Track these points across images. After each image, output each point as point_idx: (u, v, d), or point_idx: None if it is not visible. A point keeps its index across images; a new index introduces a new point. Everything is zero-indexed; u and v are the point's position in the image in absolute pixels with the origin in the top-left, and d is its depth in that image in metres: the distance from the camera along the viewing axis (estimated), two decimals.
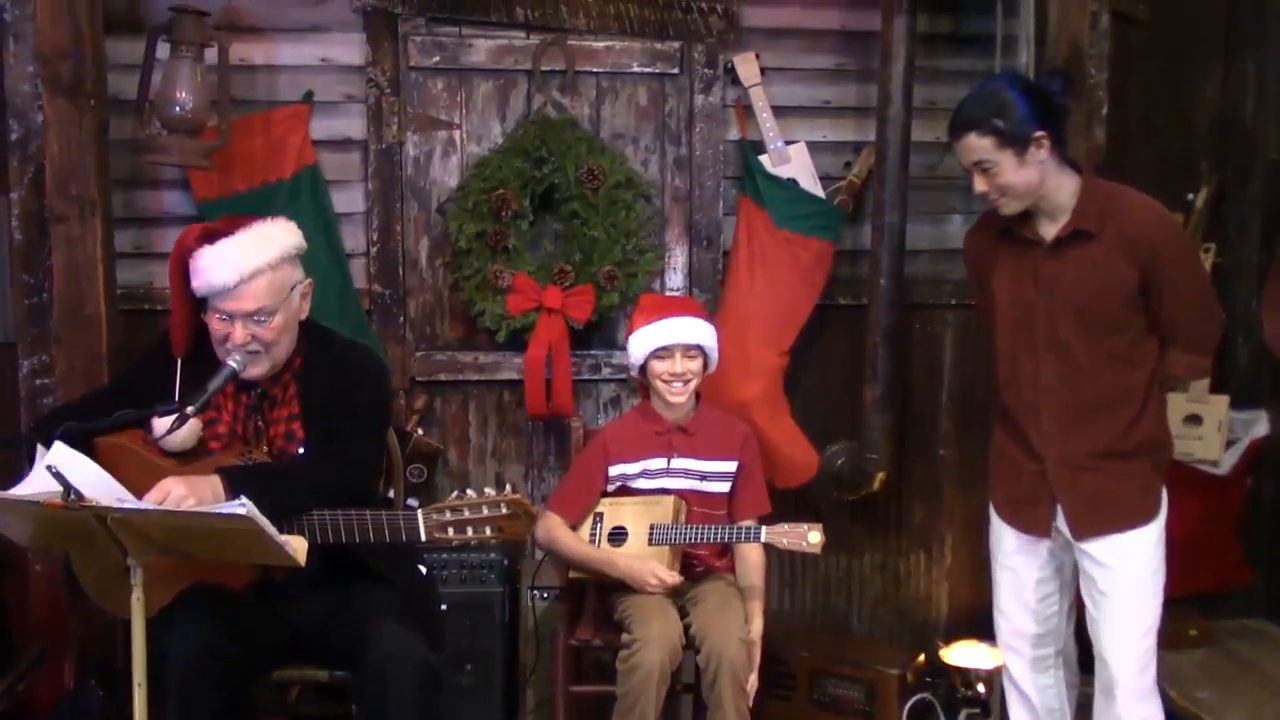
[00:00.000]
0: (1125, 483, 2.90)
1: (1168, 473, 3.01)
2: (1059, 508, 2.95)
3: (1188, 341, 2.92)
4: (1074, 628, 3.17)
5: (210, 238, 2.76)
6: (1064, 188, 2.85)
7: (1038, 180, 2.81)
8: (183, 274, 2.78)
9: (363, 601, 2.83)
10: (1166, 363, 2.92)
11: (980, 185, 2.82)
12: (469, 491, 2.74)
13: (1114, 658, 2.94)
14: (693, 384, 3.29)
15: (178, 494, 2.58)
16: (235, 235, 2.76)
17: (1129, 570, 2.91)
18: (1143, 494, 2.93)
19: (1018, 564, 3.08)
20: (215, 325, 2.78)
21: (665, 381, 3.28)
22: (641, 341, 3.28)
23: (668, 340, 3.25)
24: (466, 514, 2.71)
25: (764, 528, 3.12)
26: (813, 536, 3.06)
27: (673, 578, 3.16)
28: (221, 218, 2.91)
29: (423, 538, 2.71)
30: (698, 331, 3.27)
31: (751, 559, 3.31)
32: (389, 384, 3.27)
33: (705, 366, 3.32)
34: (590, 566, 3.26)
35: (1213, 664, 4.05)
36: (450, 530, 2.71)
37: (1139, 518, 2.91)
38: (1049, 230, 2.88)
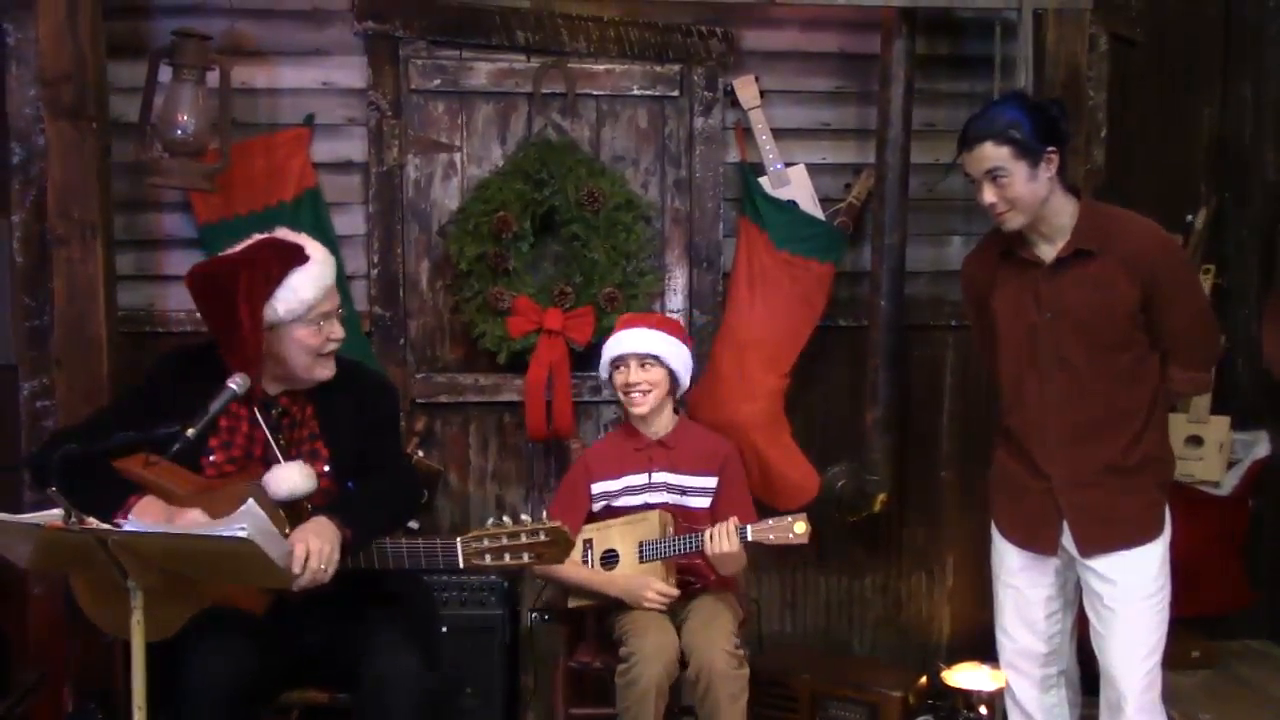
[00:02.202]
0: (1131, 499, 2.92)
1: (1170, 491, 3.03)
2: (1065, 525, 2.95)
3: (1188, 357, 2.94)
4: (1075, 647, 3.17)
5: (299, 254, 2.82)
6: (1064, 210, 2.88)
7: (1044, 195, 2.83)
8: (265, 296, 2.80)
9: (364, 623, 2.82)
10: (1169, 379, 2.95)
11: (989, 196, 2.83)
12: (505, 519, 2.74)
13: (1121, 674, 2.95)
14: (652, 395, 3.32)
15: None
16: (310, 245, 2.86)
17: (1135, 586, 2.92)
18: (1148, 510, 2.94)
19: (1022, 583, 3.08)
20: (310, 335, 2.82)
21: (625, 393, 3.33)
22: (603, 357, 3.37)
23: (619, 350, 3.33)
24: (505, 541, 2.71)
25: (749, 526, 3.14)
26: (798, 527, 3.08)
27: (671, 590, 3.18)
28: (260, 240, 2.89)
29: (461, 565, 2.73)
30: (649, 341, 3.31)
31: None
32: (399, 401, 3.36)
33: (675, 381, 3.35)
34: (588, 589, 3.27)
35: (1216, 685, 4.05)
36: (488, 558, 2.72)
37: (1145, 534, 2.93)
38: (1048, 252, 2.90)
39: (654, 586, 3.18)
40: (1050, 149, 2.81)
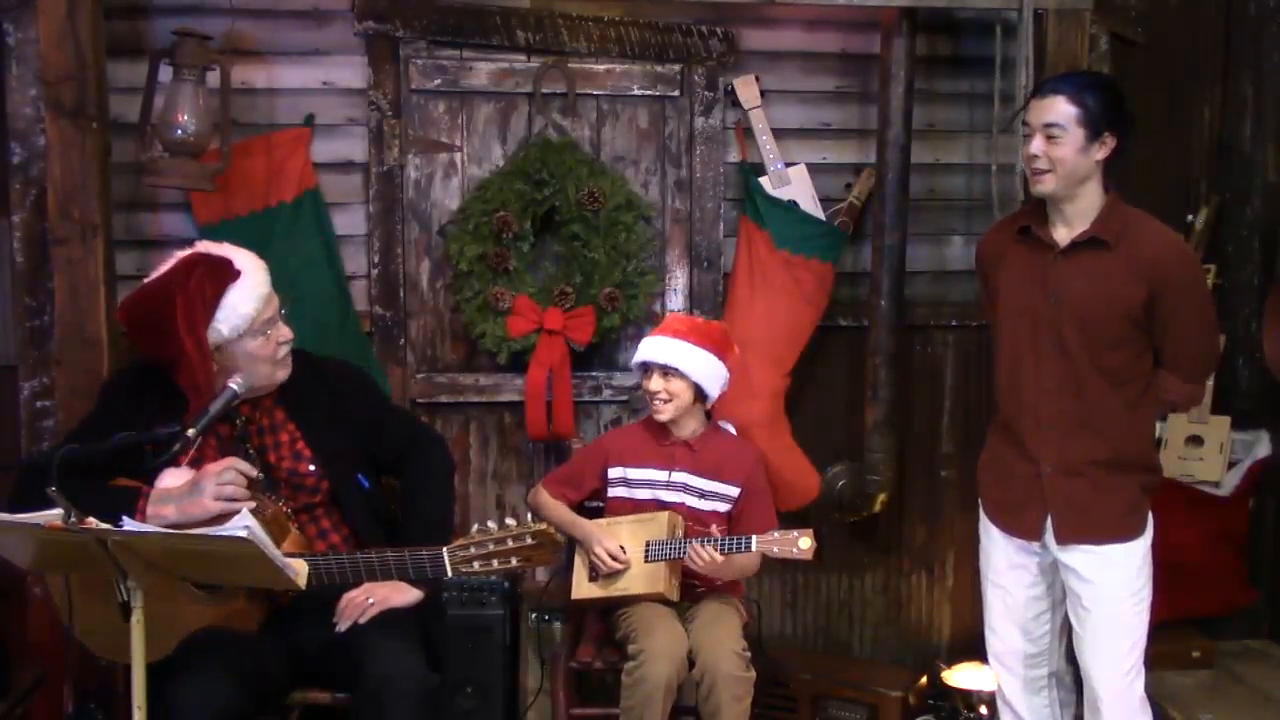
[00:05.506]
0: (1114, 497, 2.94)
1: (1161, 494, 3.05)
2: (1049, 512, 2.97)
3: (1183, 370, 2.96)
4: (1066, 648, 3.17)
5: (229, 269, 2.81)
6: (1095, 201, 2.90)
7: (1085, 173, 2.85)
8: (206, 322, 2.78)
9: (367, 623, 2.82)
10: (1160, 386, 2.96)
11: (1037, 147, 2.85)
12: (490, 524, 2.72)
13: (1099, 673, 2.97)
14: (673, 404, 3.28)
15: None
16: (238, 255, 2.86)
17: (1112, 586, 2.94)
18: (1130, 510, 2.96)
19: (1009, 582, 3.10)
20: (261, 346, 2.83)
21: (648, 397, 3.32)
22: (635, 355, 3.36)
23: (644, 356, 3.31)
24: (492, 547, 2.70)
25: (754, 537, 3.10)
26: (803, 542, 3.05)
27: (619, 559, 3.18)
28: (186, 260, 2.88)
29: (449, 574, 2.72)
30: (672, 353, 3.26)
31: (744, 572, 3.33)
32: (365, 372, 3.42)
33: (702, 393, 3.30)
34: (563, 527, 3.30)
35: (1216, 685, 4.05)
36: (476, 564, 2.71)
37: (1123, 532, 2.94)
38: (1064, 236, 2.92)
39: (605, 545, 3.19)
40: (1110, 134, 2.84)
